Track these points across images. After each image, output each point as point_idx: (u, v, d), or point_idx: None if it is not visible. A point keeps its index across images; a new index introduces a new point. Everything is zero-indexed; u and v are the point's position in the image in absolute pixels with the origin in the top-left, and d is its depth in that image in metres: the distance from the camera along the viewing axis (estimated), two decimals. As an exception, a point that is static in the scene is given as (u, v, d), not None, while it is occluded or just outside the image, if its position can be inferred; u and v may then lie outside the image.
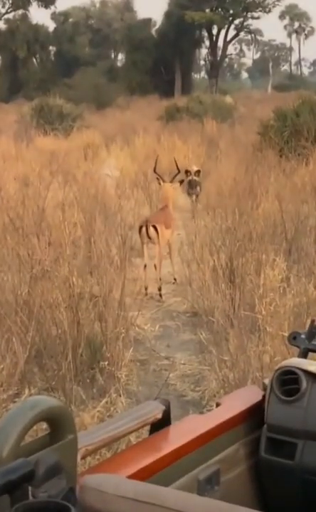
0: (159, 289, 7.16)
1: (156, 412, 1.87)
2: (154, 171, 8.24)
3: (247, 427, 2.05)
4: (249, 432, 2.06)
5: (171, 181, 8.12)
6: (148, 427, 1.90)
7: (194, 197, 10.76)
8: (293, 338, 2.24)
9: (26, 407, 1.34)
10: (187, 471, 1.83)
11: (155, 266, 7.20)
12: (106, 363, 5.05)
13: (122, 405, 4.65)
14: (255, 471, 2.05)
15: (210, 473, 1.88)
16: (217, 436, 1.93)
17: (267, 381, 2.12)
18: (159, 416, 1.87)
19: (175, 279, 7.56)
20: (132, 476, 1.64)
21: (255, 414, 2.06)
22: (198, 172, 10.66)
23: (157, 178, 8.18)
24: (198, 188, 10.76)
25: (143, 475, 1.68)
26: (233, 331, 5.18)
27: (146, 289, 7.14)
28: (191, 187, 10.66)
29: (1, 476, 1.22)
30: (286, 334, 4.64)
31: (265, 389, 2.11)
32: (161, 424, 1.89)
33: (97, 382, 4.93)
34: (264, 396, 2.09)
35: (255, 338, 5.12)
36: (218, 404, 2.10)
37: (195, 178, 10.54)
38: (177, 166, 8.29)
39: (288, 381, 2.04)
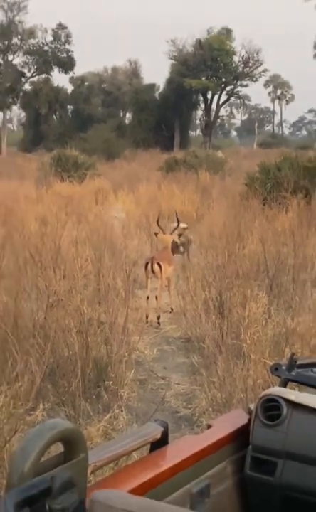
0: (158, 318, 7.15)
1: (155, 432, 1.85)
2: (157, 223, 8.19)
3: (234, 447, 2.03)
4: (236, 451, 2.04)
5: (171, 233, 8.11)
6: (148, 446, 1.88)
7: (185, 254, 9.31)
8: (275, 369, 2.22)
9: (45, 428, 1.33)
10: (182, 485, 1.81)
11: (156, 297, 7.23)
12: (110, 382, 5.02)
13: (124, 420, 4.61)
14: (241, 486, 2.03)
15: (202, 487, 1.86)
16: (208, 455, 1.92)
17: (252, 406, 2.10)
18: (158, 436, 1.86)
19: (171, 309, 7.54)
20: (133, 490, 1.62)
21: (241, 436, 2.05)
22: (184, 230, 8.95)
23: (156, 233, 8.16)
24: (181, 248, 8.98)
25: (143, 489, 1.66)
26: (221, 356, 5.15)
27: (147, 317, 7.14)
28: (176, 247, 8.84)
29: (23, 491, 1.22)
30: (267, 361, 4.64)
31: (250, 413, 2.09)
32: (159, 444, 1.87)
33: (102, 398, 4.89)
34: (249, 420, 2.07)
35: (241, 363, 5.08)
36: (209, 426, 2.08)
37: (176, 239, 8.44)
38: (177, 219, 8.24)
39: (271, 407, 2.03)
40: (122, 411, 4.73)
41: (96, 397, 4.92)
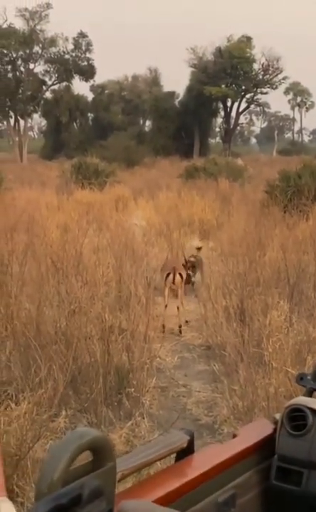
0: (180, 326, 7.14)
1: (181, 441, 1.85)
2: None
3: (260, 456, 2.03)
4: (261, 461, 2.03)
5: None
6: (174, 454, 1.88)
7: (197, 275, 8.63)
8: (300, 378, 2.22)
9: (75, 437, 1.33)
10: (208, 495, 1.80)
11: (178, 307, 7.22)
12: (132, 389, 5.02)
13: (146, 427, 4.61)
14: (266, 496, 2.02)
15: (227, 497, 1.85)
16: (234, 465, 1.91)
17: (277, 416, 2.09)
18: (184, 445, 1.85)
19: (187, 321, 7.46)
20: (160, 499, 1.62)
21: (267, 446, 2.04)
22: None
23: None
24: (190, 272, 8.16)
25: (170, 498, 1.66)
26: (242, 364, 5.13)
27: (163, 326, 7.13)
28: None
29: (54, 500, 1.22)
30: (289, 369, 4.61)
31: (275, 423, 2.08)
32: (185, 452, 1.87)
33: (124, 405, 4.89)
34: (275, 429, 2.06)
35: (262, 371, 5.06)
36: (234, 436, 2.07)
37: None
38: (185, 259, 8.11)
39: (296, 417, 2.02)
40: (143, 418, 4.73)
41: (118, 404, 4.92)
